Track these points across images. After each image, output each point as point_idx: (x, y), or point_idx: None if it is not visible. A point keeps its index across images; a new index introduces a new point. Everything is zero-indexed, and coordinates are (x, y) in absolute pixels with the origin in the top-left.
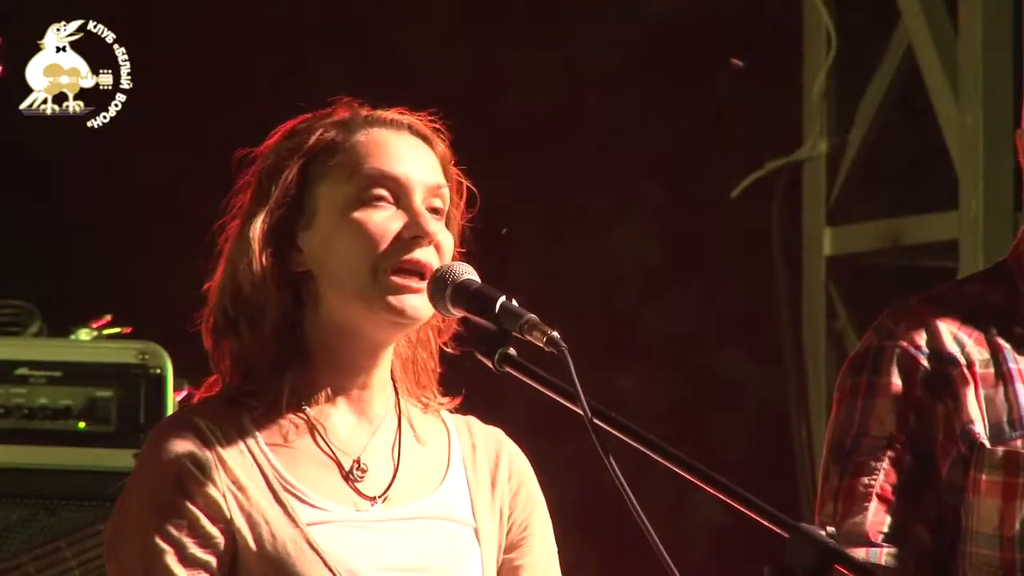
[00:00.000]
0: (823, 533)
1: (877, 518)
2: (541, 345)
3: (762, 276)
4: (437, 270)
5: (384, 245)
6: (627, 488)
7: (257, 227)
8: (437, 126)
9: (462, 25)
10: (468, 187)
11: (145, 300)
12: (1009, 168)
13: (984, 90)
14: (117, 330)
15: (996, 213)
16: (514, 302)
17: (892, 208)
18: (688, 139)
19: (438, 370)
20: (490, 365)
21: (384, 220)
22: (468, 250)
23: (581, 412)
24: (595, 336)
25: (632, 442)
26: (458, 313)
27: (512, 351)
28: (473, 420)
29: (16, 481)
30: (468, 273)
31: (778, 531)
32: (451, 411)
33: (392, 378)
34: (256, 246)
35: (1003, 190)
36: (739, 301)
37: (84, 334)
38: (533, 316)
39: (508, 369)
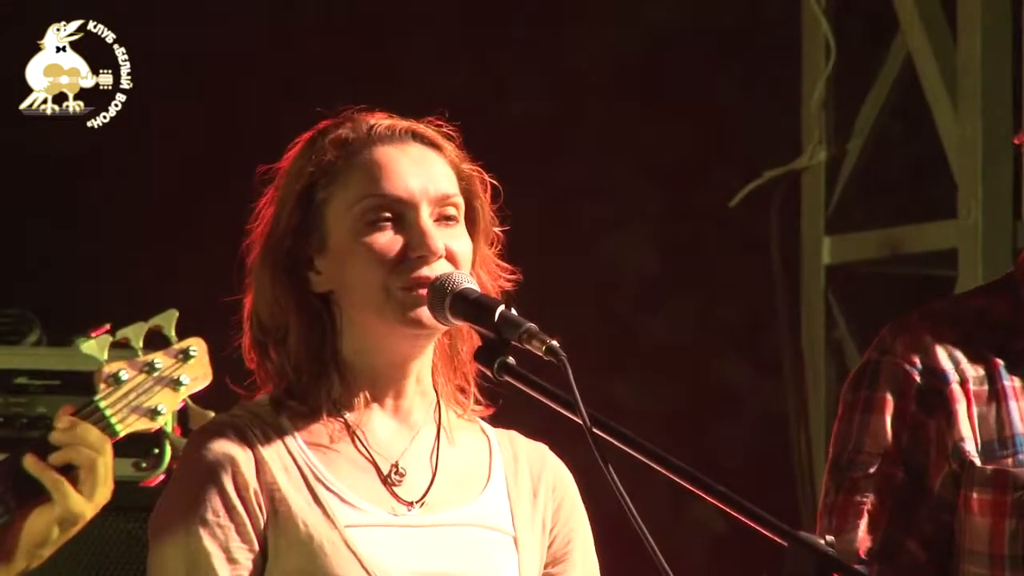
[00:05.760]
0: (822, 542)
1: (868, 535)
2: (540, 354)
3: (761, 285)
4: (436, 279)
5: (392, 266)
6: (626, 497)
7: (270, 255)
8: (445, 129)
9: (462, 32)
10: (491, 182)
11: (144, 309)
12: (1008, 177)
13: (983, 99)
14: (116, 338)
15: (995, 222)
16: (513, 311)
17: (891, 217)
18: (687, 148)
19: (474, 372)
20: (489, 374)
21: (389, 241)
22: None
23: (580, 421)
24: (594, 344)
25: (631, 451)
26: (457, 322)
27: (511, 360)
28: (516, 434)
29: None
30: (467, 282)
31: (777, 539)
32: (492, 424)
33: (434, 385)
34: (269, 276)
35: (1002, 199)
36: (738, 310)
37: (83, 343)
38: (532, 325)
39: (507, 378)
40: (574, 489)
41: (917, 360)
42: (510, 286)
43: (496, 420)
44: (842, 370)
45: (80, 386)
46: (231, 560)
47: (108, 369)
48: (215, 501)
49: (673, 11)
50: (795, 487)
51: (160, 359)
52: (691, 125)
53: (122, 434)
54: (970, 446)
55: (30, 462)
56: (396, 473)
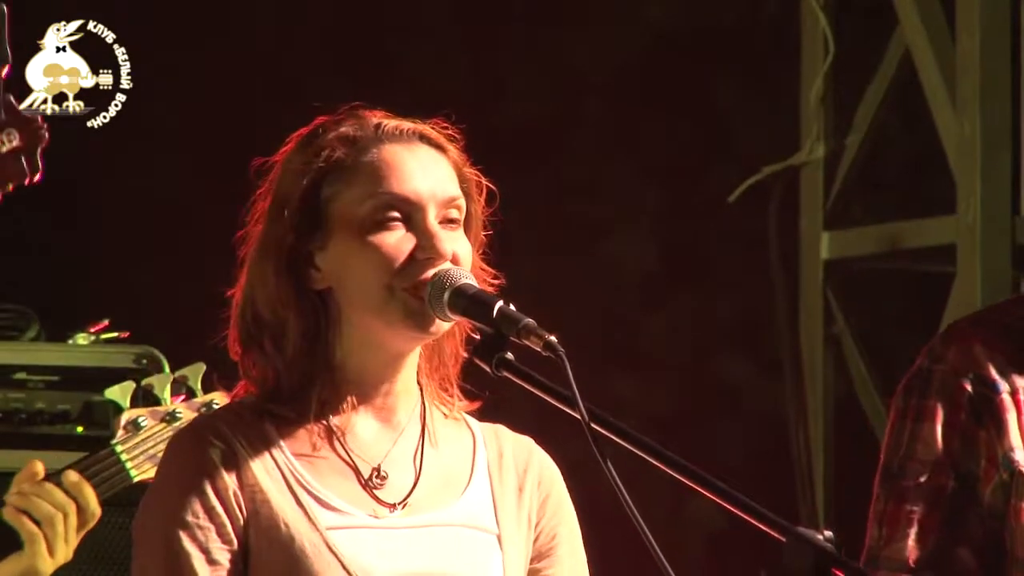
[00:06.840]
0: (820, 537)
1: (918, 544)
2: (539, 349)
3: (760, 281)
4: (434, 275)
5: (398, 266)
6: (624, 492)
7: (272, 250)
8: (449, 131)
9: (461, 32)
10: (487, 185)
11: (143, 304)
12: (1006, 173)
13: (981, 95)
14: (115, 335)
15: (993, 218)
16: (512, 306)
17: (890, 213)
18: (686, 144)
19: (459, 365)
20: (488, 369)
21: (397, 242)
22: (490, 247)
23: (579, 416)
24: (593, 341)
25: (630, 446)
26: (455, 317)
27: (510, 355)
28: (502, 428)
29: None
30: (465, 277)
31: (775, 535)
32: (479, 419)
33: (418, 382)
34: (272, 270)
35: (1000, 194)
36: (737, 306)
37: (82, 338)
38: (530, 320)
39: (506, 373)
40: (560, 484)
41: (969, 369)
42: (494, 290)
43: (491, 416)
44: (840, 366)
45: (79, 382)
46: (211, 561)
47: (128, 415)
48: (195, 503)
49: (673, 11)
50: (793, 483)
51: (182, 409)
52: (690, 121)
53: (136, 480)
54: (1020, 456)
55: (9, 513)
56: (377, 476)
